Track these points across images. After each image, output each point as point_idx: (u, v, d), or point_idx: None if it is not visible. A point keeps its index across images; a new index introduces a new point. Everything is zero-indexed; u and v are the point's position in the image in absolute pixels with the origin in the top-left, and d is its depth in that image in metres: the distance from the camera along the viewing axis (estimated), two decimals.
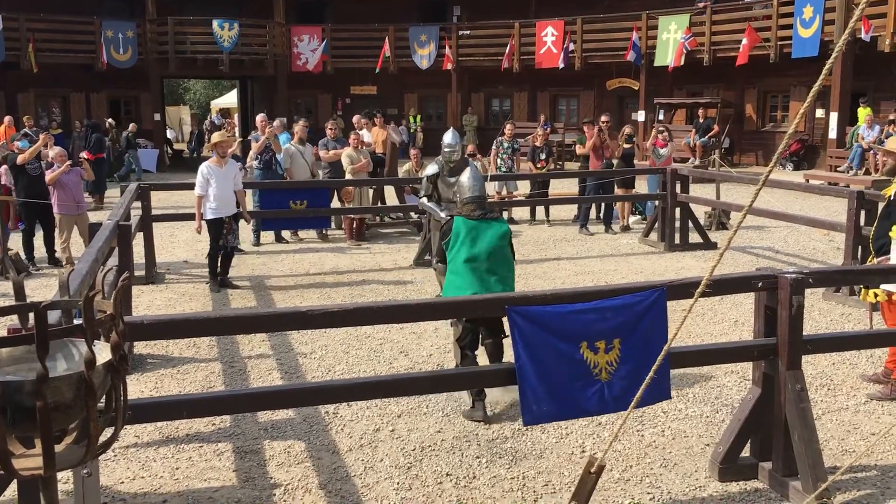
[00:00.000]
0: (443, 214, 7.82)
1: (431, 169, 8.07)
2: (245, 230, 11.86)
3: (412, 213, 12.23)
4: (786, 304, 4.12)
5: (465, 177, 6.04)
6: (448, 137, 8.05)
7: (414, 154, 12.79)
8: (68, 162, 10.18)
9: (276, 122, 12.81)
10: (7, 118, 19.18)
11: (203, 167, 8.81)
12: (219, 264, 9.01)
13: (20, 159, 10.13)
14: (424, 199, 8.02)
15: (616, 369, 4.08)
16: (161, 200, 13.76)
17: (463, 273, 5.39)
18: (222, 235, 8.88)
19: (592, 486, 2.36)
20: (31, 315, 1.69)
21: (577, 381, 4.01)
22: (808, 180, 17.06)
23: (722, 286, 4.30)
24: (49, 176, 10.03)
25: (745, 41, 20.48)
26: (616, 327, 4.06)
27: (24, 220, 10.47)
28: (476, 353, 5.54)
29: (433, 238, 8.18)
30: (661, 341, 4.17)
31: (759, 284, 4.20)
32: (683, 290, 4.10)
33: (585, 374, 4.02)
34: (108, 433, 1.63)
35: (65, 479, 3.93)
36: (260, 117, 12.46)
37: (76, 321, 1.72)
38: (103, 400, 1.58)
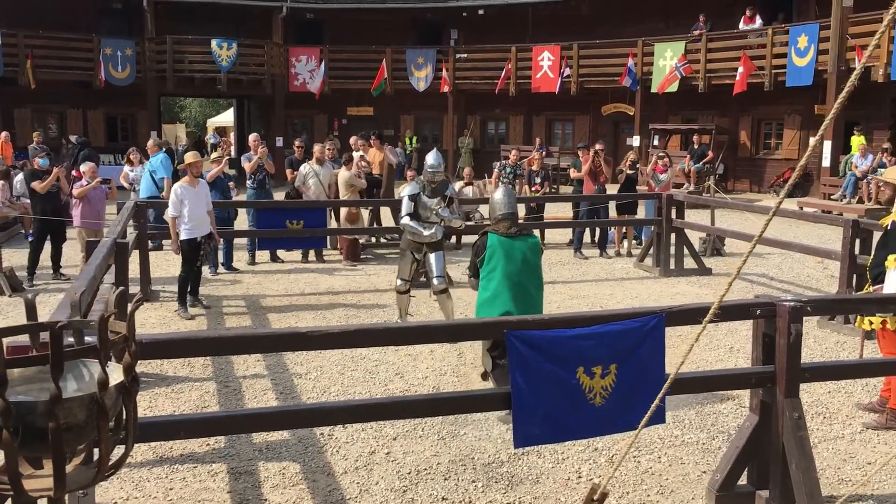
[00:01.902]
0: (426, 233, 7.80)
1: (412, 189, 8.02)
2: (239, 249, 11.88)
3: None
4: (784, 332, 4.14)
5: (499, 194, 6.07)
6: (431, 158, 8.03)
7: (410, 175, 12.80)
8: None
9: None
10: (4, 133, 19.20)
11: (176, 187, 8.77)
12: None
13: (39, 188, 10.31)
14: (407, 219, 7.93)
15: (610, 394, 4.08)
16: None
17: (499, 288, 5.63)
18: (198, 256, 8.86)
19: None
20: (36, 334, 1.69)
21: (571, 405, 4.01)
22: (801, 208, 17.14)
23: (720, 313, 4.30)
24: (78, 190, 10.24)
25: (741, 69, 20.67)
26: (613, 353, 4.06)
27: (34, 234, 10.54)
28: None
29: (402, 259, 8.16)
30: (658, 367, 4.19)
31: (758, 312, 4.21)
32: (682, 316, 4.11)
33: (580, 399, 4.02)
34: (115, 454, 1.62)
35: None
36: (253, 137, 12.52)
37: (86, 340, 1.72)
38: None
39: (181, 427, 3.73)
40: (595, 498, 2.35)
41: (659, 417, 4.27)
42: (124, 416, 1.50)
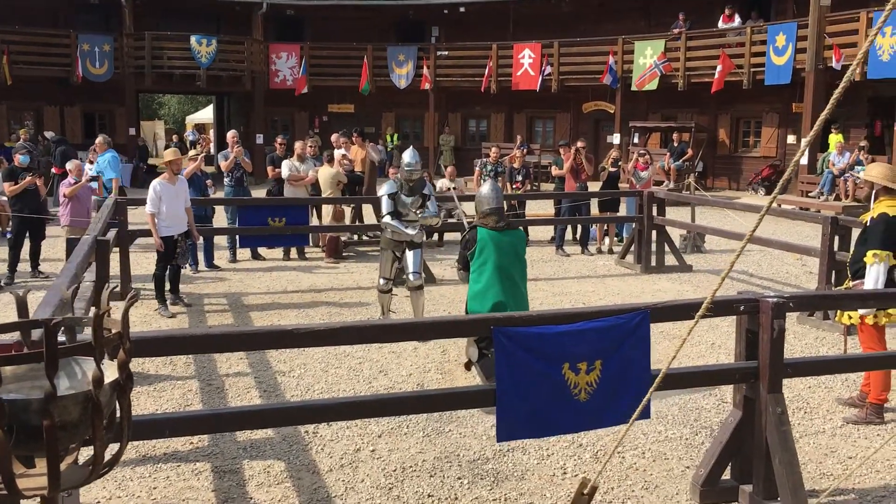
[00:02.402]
0: (409, 231, 7.79)
1: (389, 187, 8.00)
2: (220, 247, 11.80)
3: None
4: (767, 328, 4.17)
5: (486, 189, 6.13)
6: (408, 156, 8.00)
7: (392, 173, 12.81)
8: (88, 175, 10.36)
9: (99, 139, 12.55)
10: None
11: (155, 184, 8.69)
12: (167, 284, 8.88)
13: (9, 191, 10.24)
14: (388, 218, 7.90)
15: (595, 390, 4.10)
16: (136, 216, 13.62)
17: (491, 280, 5.79)
18: (174, 254, 8.80)
19: None
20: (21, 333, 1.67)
21: (556, 400, 4.02)
22: (780, 205, 17.30)
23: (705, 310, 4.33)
24: (67, 190, 10.16)
25: (719, 68, 20.82)
26: (598, 349, 4.08)
27: (12, 232, 10.41)
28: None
29: (383, 258, 8.14)
30: (643, 363, 4.21)
31: (742, 308, 4.25)
32: (667, 312, 4.14)
33: (564, 395, 4.03)
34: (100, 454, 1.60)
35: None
36: (231, 134, 12.43)
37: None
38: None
39: (166, 425, 3.70)
40: (585, 492, 2.36)
41: (644, 413, 4.26)
42: (118, 414, 1.49)
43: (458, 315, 5.04)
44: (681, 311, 4.14)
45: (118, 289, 8.98)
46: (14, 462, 1.46)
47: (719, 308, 4.40)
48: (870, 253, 5.75)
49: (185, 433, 4.38)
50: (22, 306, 1.51)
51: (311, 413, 4.04)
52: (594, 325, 4.05)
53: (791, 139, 21.72)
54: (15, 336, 2.10)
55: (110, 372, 1.48)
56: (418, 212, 7.94)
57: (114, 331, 1.46)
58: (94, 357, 1.37)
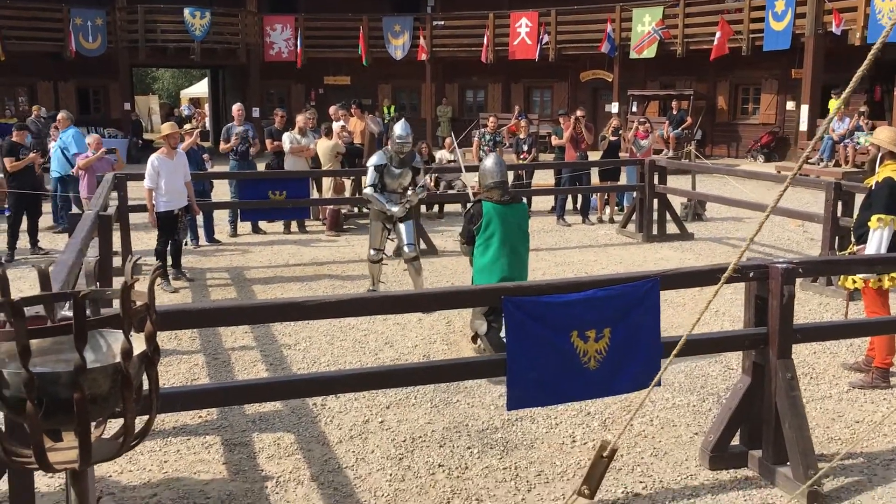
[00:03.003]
0: (392, 209, 7.73)
1: (377, 159, 7.92)
2: (220, 221, 11.75)
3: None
4: (777, 294, 4.17)
5: (490, 162, 6.10)
6: (399, 129, 7.90)
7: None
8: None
9: (61, 115, 12.32)
10: None
11: (153, 158, 8.61)
12: (168, 259, 8.86)
13: (10, 167, 10.23)
14: (370, 190, 7.83)
15: (604, 358, 4.10)
16: (133, 191, 13.56)
17: (497, 254, 5.80)
18: (175, 229, 8.76)
19: (604, 470, 2.37)
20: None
21: (565, 368, 4.02)
22: (779, 172, 17.26)
23: (712, 276, 4.32)
24: (83, 161, 10.27)
25: (718, 34, 20.65)
26: (608, 317, 4.07)
27: (10, 209, 10.36)
28: (501, 323, 5.66)
29: (373, 229, 8.10)
30: (653, 330, 4.21)
31: (751, 274, 4.24)
32: (677, 280, 4.13)
33: (573, 362, 4.03)
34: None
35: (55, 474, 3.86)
36: (236, 107, 12.31)
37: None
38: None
39: (177, 399, 3.70)
40: (604, 455, 2.36)
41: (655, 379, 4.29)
42: (146, 386, 1.47)
43: (468, 286, 5.03)
44: (692, 278, 4.13)
45: (137, 262, 8.96)
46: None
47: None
48: (874, 217, 5.73)
49: (195, 406, 4.38)
50: (44, 278, 1.49)
51: (321, 385, 4.03)
52: (603, 294, 4.04)
53: (790, 105, 21.61)
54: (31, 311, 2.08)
55: (137, 344, 1.46)
56: (406, 188, 7.89)
57: (139, 303, 1.44)
58: (122, 329, 1.35)
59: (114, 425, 1.71)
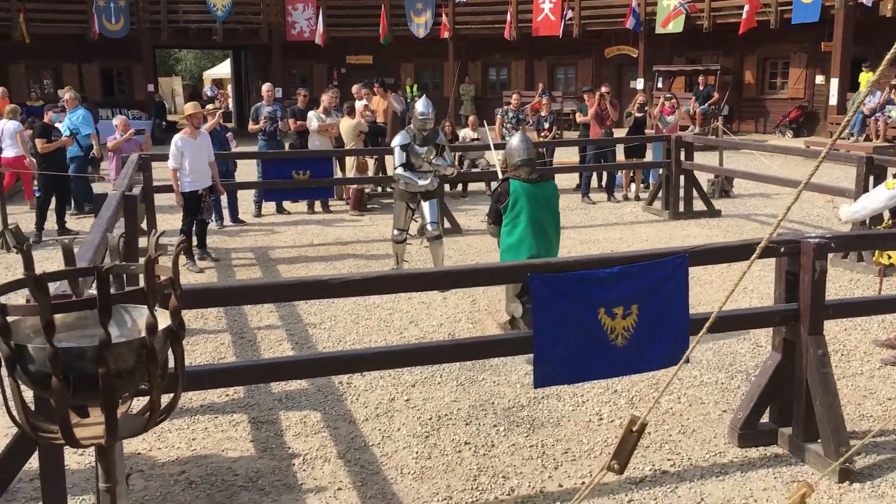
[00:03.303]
0: (421, 182, 7.70)
1: (401, 138, 7.88)
2: (245, 201, 11.78)
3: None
4: (808, 269, 4.09)
5: (516, 140, 6.05)
6: (421, 106, 7.86)
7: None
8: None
9: (68, 94, 12.10)
10: (0, 89, 18.92)
11: (176, 139, 8.63)
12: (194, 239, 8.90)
13: (41, 148, 10.46)
14: (401, 170, 7.78)
15: (632, 335, 4.05)
16: (157, 172, 13.64)
17: (525, 233, 5.73)
18: (199, 209, 8.79)
19: (634, 445, 2.33)
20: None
21: (592, 346, 3.99)
22: (808, 147, 16.98)
23: (744, 252, 4.25)
24: (112, 142, 10.47)
25: (747, 7, 20.27)
26: (635, 293, 4.02)
27: (40, 190, 10.52)
28: None
29: (397, 209, 8.07)
30: (681, 307, 4.15)
31: (782, 250, 4.16)
32: (706, 256, 4.06)
33: (601, 340, 3.99)
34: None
35: (84, 451, 3.90)
36: (266, 87, 12.29)
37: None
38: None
39: (205, 377, 3.71)
40: (634, 430, 2.32)
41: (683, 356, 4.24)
42: (172, 362, 1.46)
43: (496, 263, 5.00)
44: (721, 254, 4.06)
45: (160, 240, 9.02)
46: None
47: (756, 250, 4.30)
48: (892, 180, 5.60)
49: (223, 384, 4.39)
50: (69, 254, 1.48)
51: (347, 363, 4.04)
52: (631, 270, 3.99)
53: (820, 79, 21.20)
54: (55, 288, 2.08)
55: (161, 319, 1.45)
56: (433, 160, 7.85)
57: (164, 277, 1.42)
58: (147, 304, 1.34)
59: (141, 402, 1.71)
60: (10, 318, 1.26)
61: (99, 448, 1.39)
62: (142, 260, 1.57)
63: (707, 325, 2.13)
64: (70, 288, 1.55)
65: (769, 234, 2.17)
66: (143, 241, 8.08)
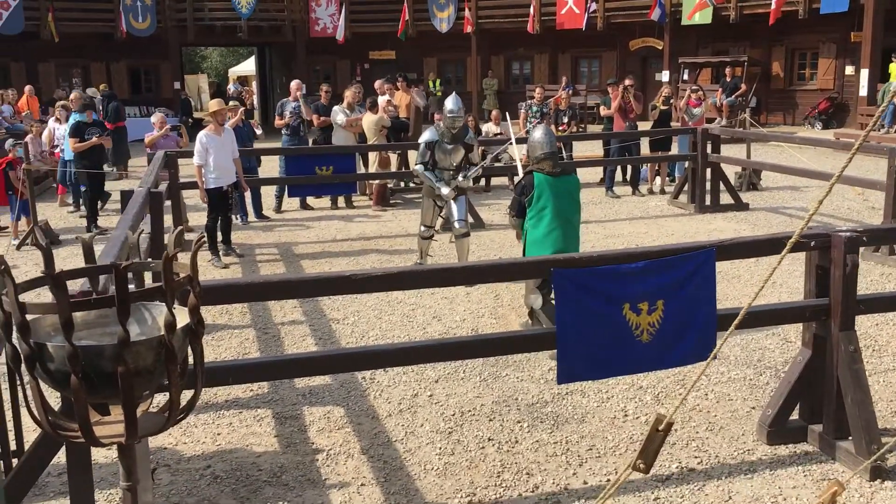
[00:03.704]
0: (443, 190, 7.62)
1: (430, 135, 7.78)
2: (268, 197, 11.83)
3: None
4: (839, 264, 4.01)
5: (539, 133, 6.01)
6: (450, 103, 7.73)
7: (438, 118, 12.63)
8: (167, 126, 10.66)
9: (74, 94, 11.95)
10: (28, 87, 19.18)
11: (201, 136, 8.67)
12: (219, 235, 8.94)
13: (73, 148, 10.73)
14: (420, 168, 7.70)
15: (657, 330, 4.00)
16: (183, 169, 13.74)
17: (551, 226, 5.74)
18: (224, 206, 8.83)
19: (660, 443, 2.29)
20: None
21: (617, 341, 3.94)
22: (838, 139, 16.71)
23: (771, 246, 4.18)
24: (149, 138, 10.66)
25: None
26: (661, 288, 3.96)
27: (85, 185, 10.79)
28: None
29: (424, 205, 8.02)
30: (708, 302, 4.09)
31: (812, 244, 4.08)
32: (734, 250, 4.00)
33: (626, 335, 3.94)
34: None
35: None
36: (295, 83, 12.31)
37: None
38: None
39: (229, 373, 3.72)
40: (660, 428, 2.28)
41: (709, 352, 4.18)
42: (192, 360, 1.45)
43: (519, 258, 4.98)
44: (750, 248, 4.00)
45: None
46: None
47: (785, 245, 4.22)
48: None
49: (247, 380, 4.40)
50: (89, 251, 1.47)
51: (371, 358, 4.02)
52: (656, 265, 3.94)
53: (849, 70, 20.86)
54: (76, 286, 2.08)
55: (180, 317, 1.44)
56: (462, 164, 7.76)
57: (182, 274, 1.41)
58: (165, 301, 1.33)
59: (163, 398, 1.70)
60: (29, 316, 1.26)
61: (120, 446, 1.38)
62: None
63: (736, 321, 2.08)
64: (91, 285, 1.55)
65: (800, 229, 2.11)
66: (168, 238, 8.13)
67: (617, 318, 3.89)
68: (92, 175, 10.54)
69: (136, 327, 1.46)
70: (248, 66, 38.79)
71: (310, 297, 6.52)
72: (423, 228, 8.03)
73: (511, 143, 8.60)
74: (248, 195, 10.65)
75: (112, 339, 1.35)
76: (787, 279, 7.40)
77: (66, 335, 1.24)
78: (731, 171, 12.15)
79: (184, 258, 1.48)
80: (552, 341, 3.93)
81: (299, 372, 4.19)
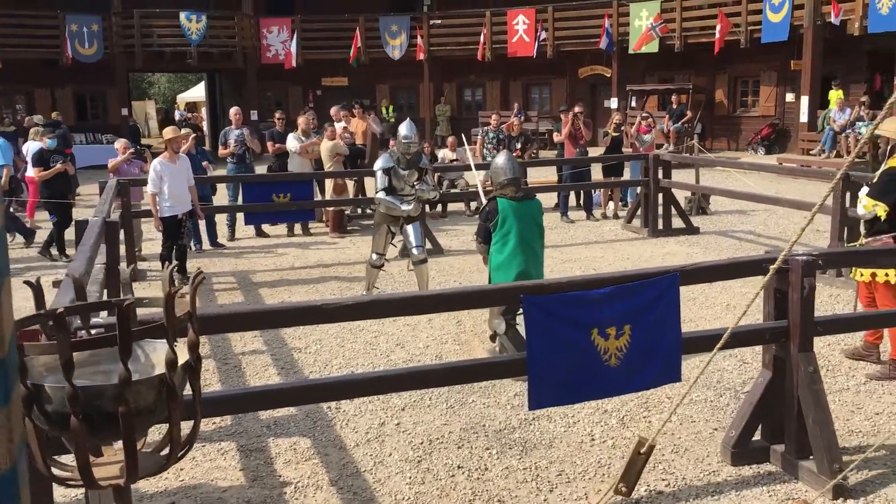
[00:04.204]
0: (404, 207, 7.66)
1: (384, 161, 7.80)
2: (221, 225, 11.69)
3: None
4: (797, 287, 4.12)
5: (502, 159, 6.09)
6: (405, 129, 7.78)
7: (393, 144, 12.67)
8: (131, 150, 10.62)
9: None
10: None
11: (155, 163, 8.62)
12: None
13: (38, 177, 10.66)
14: (382, 194, 7.67)
15: (625, 355, 4.06)
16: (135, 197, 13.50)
17: (514, 251, 5.82)
18: (179, 234, 8.72)
19: (642, 466, 2.32)
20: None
21: (586, 367, 3.98)
22: (781, 164, 17.22)
23: (731, 270, 4.28)
24: (112, 163, 10.43)
25: (719, 27, 20.61)
26: (628, 313, 4.03)
27: (55, 215, 10.50)
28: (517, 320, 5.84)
29: (376, 233, 8.03)
30: (673, 326, 4.17)
31: (769, 267, 4.18)
32: (697, 274, 4.08)
33: (595, 360, 3.99)
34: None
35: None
36: (234, 110, 12.25)
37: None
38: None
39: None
40: (642, 451, 2.31)
41: (675, 375, 4.26)
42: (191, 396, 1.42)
43: (488, 285, 5.03)
44: (712, 272, 4.09)
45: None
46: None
47: (748, 268, 4.34)
48: (869, 201, 5.78)
49: (212, 414, 4.31)
50: (79, 290, 1.44)
51: (339, 389, 3.99)
52: (622, 290, 4.00)
53: (790, 97, 21.56)
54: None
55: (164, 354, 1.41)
56: (415, 184, 7.80)
57: (181, 312, 1.39)
58: (166, 339, 1.30)
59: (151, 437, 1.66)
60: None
61: (116, 488, 1.35)
62: (153, 292, 1.54)
63: (720, 343, 2.13)
64: (81, 323, 1.51)
65: (783, 253, 2.18)
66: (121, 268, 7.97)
67: (586, 343, 3.93)
68: (58, 204, 10.33)
69: (131, 365, 1.43)
70: (198, 93, 38.44)
71: (279, 327, 6.44)
72: (374, 256, 8.00)
73: (472, 169, 8.66)
74: (202, 223, 10.51)
75: (106, 378, 1.33)
76: (741, 301, 7.55)
77: (66, 376, 1.21)
78: (680, 196, 12.41)
79: (150, 292, 1.45)
80: (521, 368, 3.95)
81: (270, 404, 4.13)
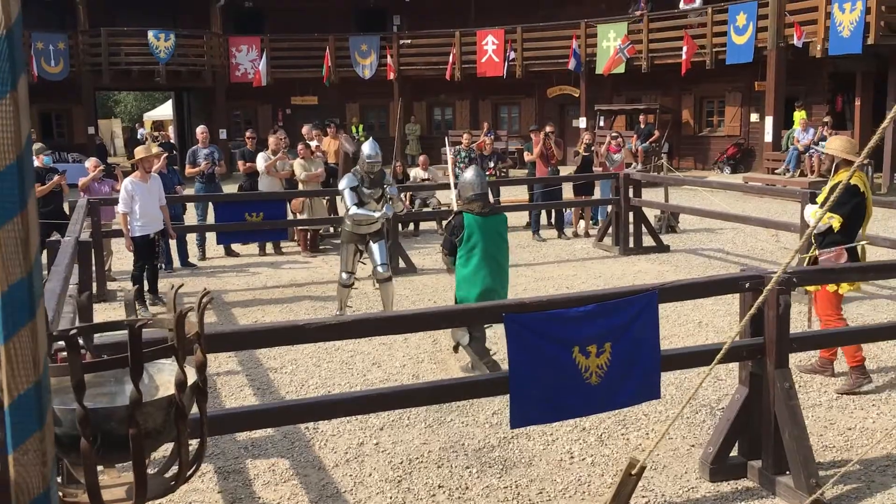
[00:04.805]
0: (377, 214, 7.71)
1: (349, 181, 7.83)
2: (191, 244, 11.58)
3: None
4: (773, 304, 4.20)
5: (470, 175, 6.15)
6: (368, 148, 7.84)
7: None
8: (101, 167, 10.38)
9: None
10: None
11: (126, 183, 8.56)
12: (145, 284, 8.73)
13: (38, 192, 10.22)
14: (355, 209, 7.69)
15: (606, 372, 4.09)
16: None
17: (479, 265, 5.97)
18: (151, 254, 8.65)
19: (633, 487, 2.34)
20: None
21: (567, 384, 4.01)
22: (747, 182, 17.52)
23: (709, 288, 4.35)
24: (82, 181, 10.17)
25: (685, 48, 20.99)
26: (608, 331, 4.07)
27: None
28: (483, 332, 6.05)
29: (344, 252, 8.05)
30: (652, 344, 4.21)
31: (746, 285, 4.26)
32: (675, 292, 4.14)
33: (575, 378, 4.02)
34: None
35: None
36: (200, 129, 12.19)
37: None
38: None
39: None
40: (633, 472, 2.33)
41: (654, 393, 4.30)
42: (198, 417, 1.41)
43: (470, 304, 5.06)
44: (689, 290, 4.14)
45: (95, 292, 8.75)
46: (80, 473, 1.38)
47: (724, 286, 4.41)
48: (815, 209, 5.98)
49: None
50: (84, 309, 1.43)
51: (318, 410, 3.97)
52: (602, 308, 4.04)
53: (754, 117, 21.99)
54: None
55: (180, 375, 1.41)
56: (380, 210, 7.85)
57: (191, 332, 1.39)
58: (176, 359, 1.30)
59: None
60: None
61: None
62: (120, 313, 1.53)
63: (718, 357, 2.16)
64: (85, 343, 1.50)
65: (777, 274, 2.22)
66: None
67: (567, 361, 3.96)
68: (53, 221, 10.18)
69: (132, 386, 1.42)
70: (165, 111, 38.12)
71: (261, 347, 6.38)
72: (344, 276, 8.01)
73: (451, 187, 8.72)
74: (173, 242, 10.41)
75: (109, 399, 1.32)
76: (713, 318, 7.67)
77: (77, 398, 1.20)
78: (650, 214, 12.57)
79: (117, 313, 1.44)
80: (503, 386, 3.97)
81: (249, 425, 4.09)
